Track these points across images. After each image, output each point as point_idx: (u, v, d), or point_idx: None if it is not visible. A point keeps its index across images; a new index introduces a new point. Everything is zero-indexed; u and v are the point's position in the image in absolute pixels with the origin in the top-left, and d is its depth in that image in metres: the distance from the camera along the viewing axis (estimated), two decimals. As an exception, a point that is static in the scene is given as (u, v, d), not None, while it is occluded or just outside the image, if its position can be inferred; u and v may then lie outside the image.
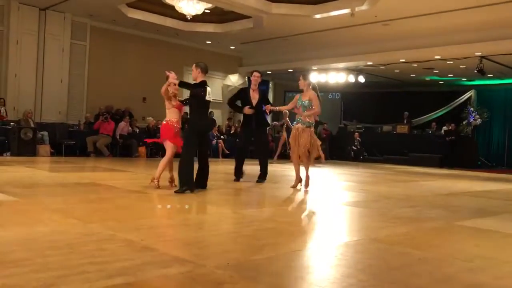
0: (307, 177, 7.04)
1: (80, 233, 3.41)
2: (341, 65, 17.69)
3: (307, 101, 6.86)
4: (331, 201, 6.27)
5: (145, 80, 15.42)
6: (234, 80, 18.86)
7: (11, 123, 12.35)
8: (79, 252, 2.88)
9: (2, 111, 12.90)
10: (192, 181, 5.90)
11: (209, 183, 6.42)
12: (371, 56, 16.14)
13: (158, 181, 6.07)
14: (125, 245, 3.12)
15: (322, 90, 20.82)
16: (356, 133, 18.72)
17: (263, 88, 8.24)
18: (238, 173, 7.64)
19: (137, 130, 14.59)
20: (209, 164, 6.38)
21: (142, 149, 13.65)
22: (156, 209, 5.05)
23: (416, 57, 15.38)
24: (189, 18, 12.81)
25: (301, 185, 7.10)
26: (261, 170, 7.68)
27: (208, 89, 6.15)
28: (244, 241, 3.49)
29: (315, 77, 19.07)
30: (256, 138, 7.66)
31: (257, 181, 7.52)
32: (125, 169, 9.53)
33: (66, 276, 2.36)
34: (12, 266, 2.51)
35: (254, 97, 7.53)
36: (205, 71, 6.28)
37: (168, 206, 5.07)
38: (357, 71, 18.01)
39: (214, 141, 16.10)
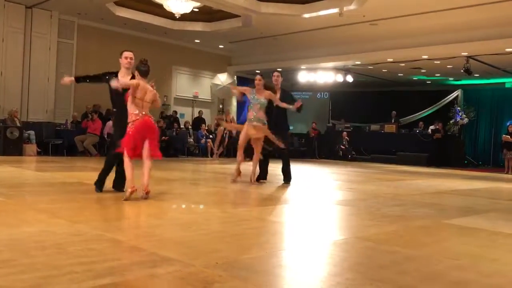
0: (254, 172, 7.36)
1: (67, 233, 3.37)
2: (330, 64, 17.76)
3: (263, 99, 7.11)
4: (319, 200, 6.29)
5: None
6: (223, 79, 18.84)
7: (-3, 122, 12.21)
8: (66, 252, 2.85)
9: (-13, 110, 12.75)
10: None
11: (198, 182, 6.39)
12: (359, 55, 16.24)
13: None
14: (112, 245, 3.10)
15: (311, 90, 21.07)
16: (344, 132, 18.82)
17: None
18: (261, 174, 7.56)
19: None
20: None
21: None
22: (144, 208, 5.02)
23: (404, 56, 15.50)
24: (177, 17, 12.77)
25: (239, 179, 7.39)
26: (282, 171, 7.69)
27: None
28: (232, 241, 3.49)
29: (304, 76, 19.16)
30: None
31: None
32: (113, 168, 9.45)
33: (53, 277, 2.34)
34: (-2, 267, 2.48)
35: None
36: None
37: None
38: (345, 70, 18.10)
39: (203, 140, 16.07)
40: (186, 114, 18.42)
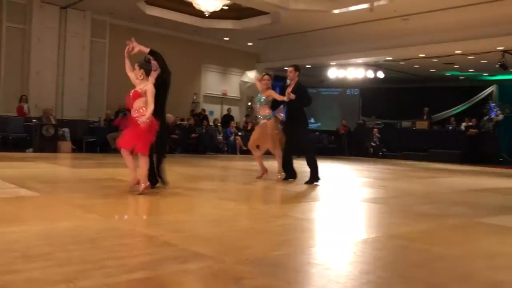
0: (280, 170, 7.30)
1: (101, 228, 3.46)
2: (360, 60, 17.57)
3: (263, 98, 7.17)
4: (349, 198, 6.24)
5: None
6: (252, 76, 18.86)
7: (33, 120, 12.57)
8: (100, 246, 2.92)
9: (24, 108, 13.15)
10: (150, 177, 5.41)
11: (227, 178, 6.43)
12: (390, 51, 15.99)
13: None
14: (145, 240, 3.16)
15: (341, 86, 20.88)
16: (375, 129, 18.58)
17: (282, 84, 8.03)
18: (285, 171, 7.43)
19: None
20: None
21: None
22: (175, 204, 5.09)
23: (436, 52, 15.18)
24: (207, 15, 12.86)
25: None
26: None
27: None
28: (262, 237, 3.50)
29: (334, 72, 19.01)
30: (295, 137, 7.46)
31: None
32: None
33: (88, 271, 2.40)
34: (35, 260, 2.56)
35: (287, 91, 7.31)
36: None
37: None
38: (376, 66, 17.86)
39: (232, 137, 16.15)
40: (215, 112, 18.55)
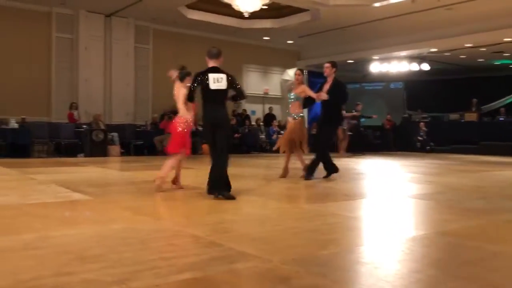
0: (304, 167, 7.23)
1: (151, 230, 3.55)
2: (403, 53, 17.16)
3: (294, 95, 7.12)
4: (396, 194, 6.11)
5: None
6: (292, 74, 18.79)
7: (83, 126, 13.06)
8: (150, 248, 3.01)
9: (75, 114, 13.69)
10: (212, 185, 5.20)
11: (271, 178, 6.44)
12: (435, 42, 15.51)
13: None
14: (192, 240, 3.23)
15: (384, 80, 20.45)
16: (421, 123, 18.06)
17: (316, 81, 7.91)
18: (326, 168, 7.30)
19: (201, 129, 14.94)
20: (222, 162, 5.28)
21: (206, 147, 13.94)
22: (220, 204, 5.15)
23: (484, 41, 14.60)
24: (246, 15, 12.92)
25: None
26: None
27: (215, 76, 5.34)
28: (308, 236, 3.49)
29: (376, 66, 18.66)
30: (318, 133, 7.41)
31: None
32: (191, 166, 9.80)
33: (139, 272, 2.48)
34: (89, 262, 2.67)
35: (324, 89, 7.14)
36: (209, 55, 5.53)
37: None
38: (420, 58, 17.39)
39: (275, 136, 16.15)
40: (257, 111, 18.62)
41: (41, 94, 14.04)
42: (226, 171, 5.20)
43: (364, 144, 15.75)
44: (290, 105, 7.21)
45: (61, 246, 3.00)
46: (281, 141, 7.47)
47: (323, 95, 6.81)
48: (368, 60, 18.69)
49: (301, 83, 7.23)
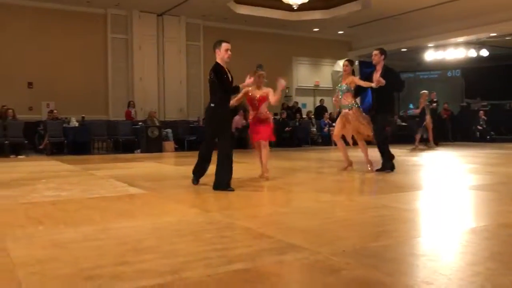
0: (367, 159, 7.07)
1: (203, 222, 3.63)
2: (460, 39, 16.45)
3: (344, 86, 6.96)
4: (454, 185, 5.89)
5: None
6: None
7: (139, 123, 13.49)
8: (202, 239, 3.07)
9: (132, 112, 14.17)
10: (196, 174, 5.63)
11: (323, 170, 6.38)
12: (494, 26, 14.72)
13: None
14: (243, 232, 3.26)
15: (440, 68, 19.70)
16: (481, 112, 17.27)
17: (366, 70, 7.68)
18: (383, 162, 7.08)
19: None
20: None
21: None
22: (271, 197, 5.18)
23: (549, 22, 13.71)
24: (295, 8, 12.83)
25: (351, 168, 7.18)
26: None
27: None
28: (360, 229, 3.44)
29: (431, 54, 18.02)
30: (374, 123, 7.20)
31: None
32: (242, 160, 9.89)
33: (191, 262, 2.54)
34: (145, 253, 2.76)
35: (375, 77, 6.89)
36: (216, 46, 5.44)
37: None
38: (478, 44, 16.60)
39: (326, 129, 15.99)
40: (308, 104, 18.48)
41: (99, 93, 14.65)
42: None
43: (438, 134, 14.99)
44: (341, 97, 7.02)
45: (119, 238, 3.13)
46: (336, 132, 7.27)
47: (382, 80, 6.61)
48: (423, 48, 18.07)
49: (349, 74, 7.08)
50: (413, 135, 13.78)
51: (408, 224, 3.67)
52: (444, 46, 17.59)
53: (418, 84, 20.62)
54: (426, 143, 13.61)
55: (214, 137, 5.49)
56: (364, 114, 7.09)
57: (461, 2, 13.24)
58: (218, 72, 5.28)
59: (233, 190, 5.10)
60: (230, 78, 5.40)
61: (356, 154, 7.60)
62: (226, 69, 5.40)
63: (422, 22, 15.62)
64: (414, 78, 20.91)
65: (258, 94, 6.00)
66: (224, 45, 5.37)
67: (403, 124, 17.83)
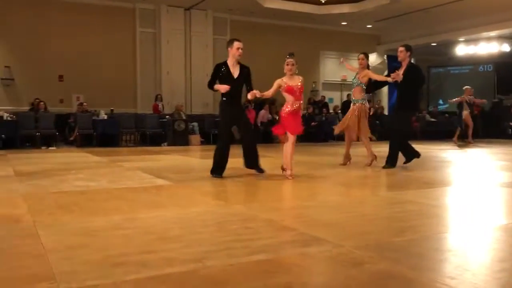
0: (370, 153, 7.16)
1: (227, 213, 3.68)
2: (493, 33, 16.02)
3: (355, 80, 7.10)
4: (484, 182, 5.77)
5: (282, 68, 15.80)
6: (372, 59, 18.24)
7: (166, 117, 13.66)
8: (225, 230, 3.12)
9: (159, 106, 14.36)
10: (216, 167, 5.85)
11: (349, 165, 6.34)
12: (529, 20, 14.29)
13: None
14: (266, 224, 3.29)
15: (471, 63, 19.23)
16: (514, 108, 16.81)
17: (395, 65, 7.60)
18: (404, 155, 7.06)
19: (277, 117, 15.03)
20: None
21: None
22: (297, 191, 5.19)
23: None
24: (323, 1, 12.75)
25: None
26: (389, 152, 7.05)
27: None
28: (384, 223, 3.42)
29: (462, 49, 17.63)
30: (395, 120, 7.16)
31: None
32: (267, 154, 9.91)
33: (215, 252, 2.59)
34: (170, 241, 2.82)
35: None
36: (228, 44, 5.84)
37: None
38: (512, 38, 16.11)
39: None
40: (335, 98, 18.34)
41: (127, 86, 14.89)
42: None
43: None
44: (352, 90, 7.18)
45: (145, 227, 3.20)
46: (340, 124, 7.48)
47: (399, 75, 6.54)
48: (454, 42, 17.68)
49: (364, 67, 7.12)
50: (445, 130, 13.53)
51: (435, 220, 3.63)
52: (476, 40, 17.18)
53: (448, 79, 20.21)
54: (464, 139, 13.34)
55: (229, 128, 6.01)
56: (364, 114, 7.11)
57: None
58: (214, 69, 5.86)
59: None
60: (237, 75, 5.76)
61: (380, 149, 7.53)
62: (233, 66, 5.80)
63: (453, 16, 15.27)
64: (444, 73, 20.48)
65: (298, 81, 5.79)
66: (236, 44, 5.71)
67: (432, 120, 17.53)
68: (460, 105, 13.14)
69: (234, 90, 5.76)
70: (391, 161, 6.82)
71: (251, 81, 5.92)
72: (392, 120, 7.03)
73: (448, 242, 2.96)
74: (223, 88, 5.72)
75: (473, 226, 3.39)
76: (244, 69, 5.79)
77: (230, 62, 5.74)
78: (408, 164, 7.04)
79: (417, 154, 6.99)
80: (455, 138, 13.08)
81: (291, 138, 5.78)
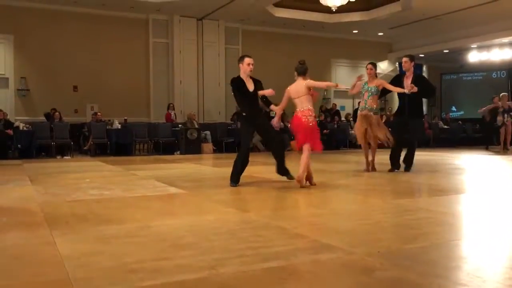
0: (373, 161, 7.37)
1: (239, 221, 3.72)
2: (506, 39, 15.93)
3: (374, 87, 7.08)
4: (498, 190, 5.74)
5: (293, 76, 15.85)
6: (384, 67, 18.26)
7: (179, 125, 13.78)
8: (238, 237, 3.16)
9: (172, 114, 14.50)
10: (233, 176, 5.87)
11: (360, 173, 6.34)
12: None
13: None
14: (278, 232, 3.33)
15: (484, 69, 19.11)
16: (528, 115, 16.61)
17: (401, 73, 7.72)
18: (394, 163, 7.30)
19: (289, 125, 15.07)
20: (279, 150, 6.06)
21: (294, 143, 14.05)
22: (308, 199, 5.21)
23: None
24: (334, 10, 12.79)
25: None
26: (404, 158, 7.32)
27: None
28: (395, 231, 3.44)
29: (475, 55, 17.55)
30: (410, 127, 7.22)
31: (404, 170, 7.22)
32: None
33: (227, 259, 2.63)
34: (184, 249, 2.87)
35: (406, 83, 7.09)
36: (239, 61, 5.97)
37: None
38: (526, 44, 15.99)
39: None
40: (347, 106, 18.33)
41: (141, 96, 15.07)
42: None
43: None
44: (368, 98, 7.13)
45: (159, 235, 3.25)
46: (360, 133, 7.45)
47: (414, 87, 6.70)
48: (466, 49, 17.62)
49: (373, 77, 7.25)
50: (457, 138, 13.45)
51: (446, 227, 3.63)
52: (488, 47, 17.10)
53: (461, 85, 20.09)
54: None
55: (249, 139, 6.06)
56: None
57: (506, 1, 12.83)
58: (234, 83, 5.85)
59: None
60: (252, 88, 5.85)
61: (385, 156, 7.52)
62: (247, 80, 5.88)
63: (464, 23, 15.23)
64: (457, 80, 20.37)
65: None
66: (247, 60, 5.89)
67: (445, 127, 17.42)
68: (493, 112, 13.00)
69: (252, 103, 5.91)
70: (409, 165, 7.12)
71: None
72: (403, 126, 7.07)
73: (459, 250, 2.97)
74: (268, 92, 5.85)
75: (484, 234, 3.39)
76: (257, 82, 5.97)
77: (243, 77, 5.90)
78: (404, 171, 7.18)
79: (397, 166, 7.24)
80: (502, 145, 12.84)
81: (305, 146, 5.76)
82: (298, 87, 5.66)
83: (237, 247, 2.89)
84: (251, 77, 5.93)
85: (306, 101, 5.60)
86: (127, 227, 3.53)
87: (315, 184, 5.74)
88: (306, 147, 5.65)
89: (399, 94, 7.19)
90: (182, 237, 3.18)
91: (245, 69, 5.86)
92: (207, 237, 3.18)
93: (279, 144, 6.18)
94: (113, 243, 3.04)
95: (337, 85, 6.69)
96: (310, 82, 5.63)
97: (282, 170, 6.01)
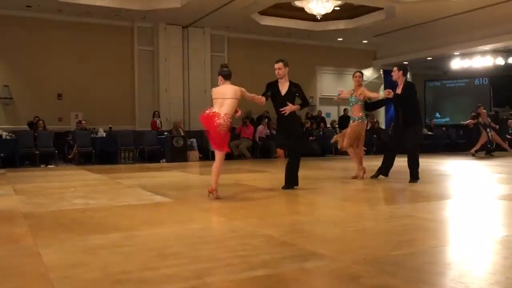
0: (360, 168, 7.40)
1: (226, 230, 3.72)
2: (487, 47, 16.23)
3: (354, 98, 7.31)
4: (479, 195, 5.82)
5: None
6: (368, 74, 18.45)
7: (165, 133, 13.72)
8: (225, 246, 3.15)
9: (157, 122, 14.43)
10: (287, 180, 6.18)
11: (347, 180, 6.39)
12: (523, 34, 14.49)
13: None
14: (265, 240, 3.33)
15: (467, 76, 19.42)
16: (510, 120, 16.91)
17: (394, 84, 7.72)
18: (381, 170, 7.27)
19: (275, 132, 15.11)
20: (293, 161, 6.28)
21: (280, 151, 14.10)
22: (294, 206, 5.23)
23: None
24: (319, 18, 12.91)
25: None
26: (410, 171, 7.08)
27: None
28: (381, 237, 3.46)
29: (458, 62, 17.83)
30: (405, 136, 7.16)
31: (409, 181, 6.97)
32: (265, 169, 9.99)
33: (214, 268, 2.62)
34: (170, 258, 2.86)
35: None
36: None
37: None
38: (506, 52, 16.31)
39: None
40: (332, 113, 18.45)
41: (126, 104, 14.98)
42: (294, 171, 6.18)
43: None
44: (351, 108, 7.40)
45: (145, 244, 3.23)
46: (341, 138, 7.56)
47: (391, 93, 6.79)
48: (449, 56, 17.90)
49: (360, 85, 7.34)
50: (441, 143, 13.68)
51: (431, 233, 3.67)
52: (470, 54, 17.39)
53: (444, 92, 20.37)
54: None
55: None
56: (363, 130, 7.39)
57: (488, 10, 13.08)
58: (266, 86, 6.33)
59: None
60: (284, 92, 6.16)
61: (377, 163, 7.59)
62: (281, 84, 6.24)
63: (447, 31, 15.49)
64: (440, 87, 20.65)
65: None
66: (275, 65, 6.23)
67: (429, 133, 17.62)
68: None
69: (281, 106, 6.10)
70: (415, 176, 6.85)
71: (303, 94, 6.34)
72: (399, 135, 7.01)
73: (444, 256, 3.00)
74: (258, 99, 5.99)
75: (468, 239, 3.44)
76: (292, 87, 6.17)
77: (279, 81, 6.19)
78: (384, 177, 7.21)
79: (385, 173, 7.24)
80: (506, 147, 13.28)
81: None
82: (226, 90, 5.52)
83: (224, 256, 2.88)
84: (290, 81, 6.18)
85: (227, 106, 5.37)
86: (113, 236, 3.50)
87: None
88: (218, 156, 5.61)
89: (394, 106, 7.29)
90: (168, 247, 3.16)
91: (276, 73, 6.17)
92: (194, 246, 3.17)
93: (290, 151, 6.44)
94: (99, 254, 3.01)
95: (262, 103, 6.11)
96: (242, 90, 5.55)
97: (288, 179, 6.16)
